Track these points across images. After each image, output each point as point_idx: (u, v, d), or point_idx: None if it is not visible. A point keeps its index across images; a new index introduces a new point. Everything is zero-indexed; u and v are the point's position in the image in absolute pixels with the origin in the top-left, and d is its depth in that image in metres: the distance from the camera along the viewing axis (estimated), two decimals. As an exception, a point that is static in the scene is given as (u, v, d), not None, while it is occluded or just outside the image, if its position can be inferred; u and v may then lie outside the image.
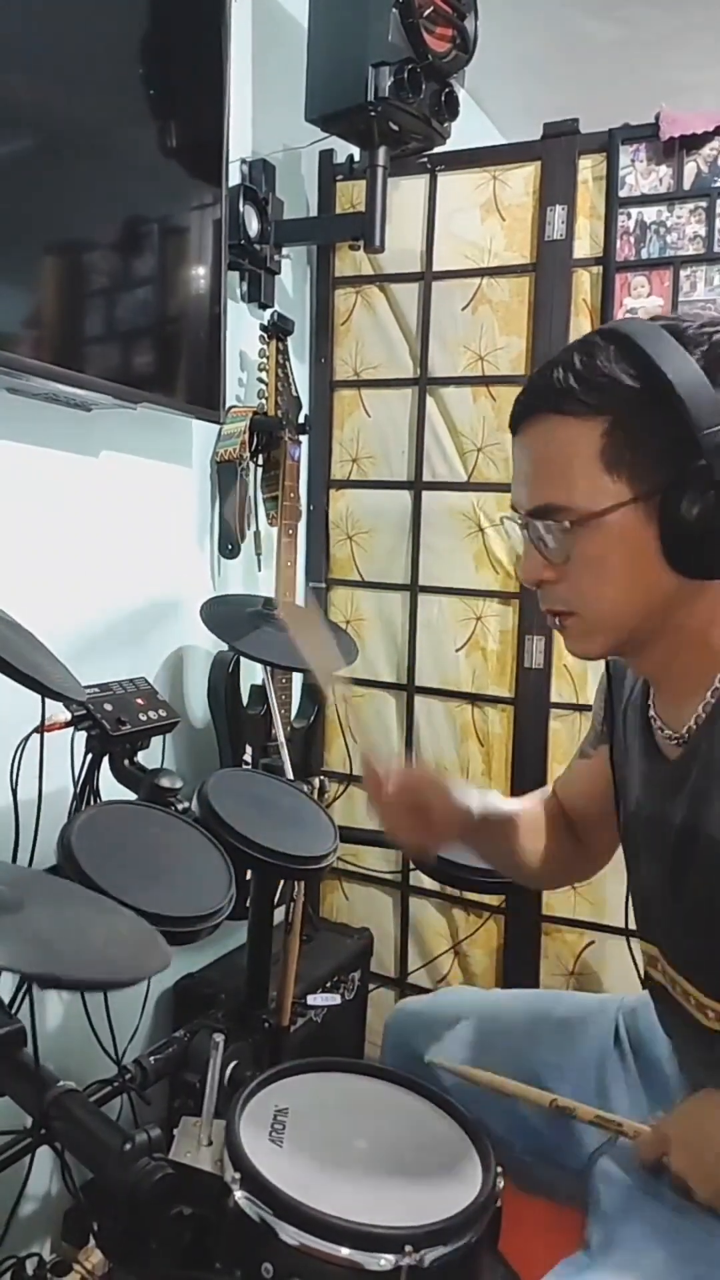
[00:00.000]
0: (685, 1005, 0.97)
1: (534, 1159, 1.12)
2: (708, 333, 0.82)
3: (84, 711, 1.33)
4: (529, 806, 1.21)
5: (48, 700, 1.11)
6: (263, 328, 1.88)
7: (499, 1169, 0.97)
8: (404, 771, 1.07)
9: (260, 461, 1.93)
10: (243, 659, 1.77)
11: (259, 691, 1.88)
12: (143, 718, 1.41)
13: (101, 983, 0.80)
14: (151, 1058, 1.33)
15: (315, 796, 1.58)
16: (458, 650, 2.10)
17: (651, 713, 0.99)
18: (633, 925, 1.08)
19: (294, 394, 1.91)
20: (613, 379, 0.81)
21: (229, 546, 1.88)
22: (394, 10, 1.63)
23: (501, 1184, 0.96)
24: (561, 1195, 1.12)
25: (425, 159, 2.00)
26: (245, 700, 1.85)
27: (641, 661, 0.96)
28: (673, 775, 0.93)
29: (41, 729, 1.20)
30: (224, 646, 1.75)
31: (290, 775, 1.69)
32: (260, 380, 1.90)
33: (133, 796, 1.35)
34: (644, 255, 1.86)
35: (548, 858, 1.18)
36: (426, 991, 2.01)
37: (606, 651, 0.93)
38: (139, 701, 1.43)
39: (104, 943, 0.85)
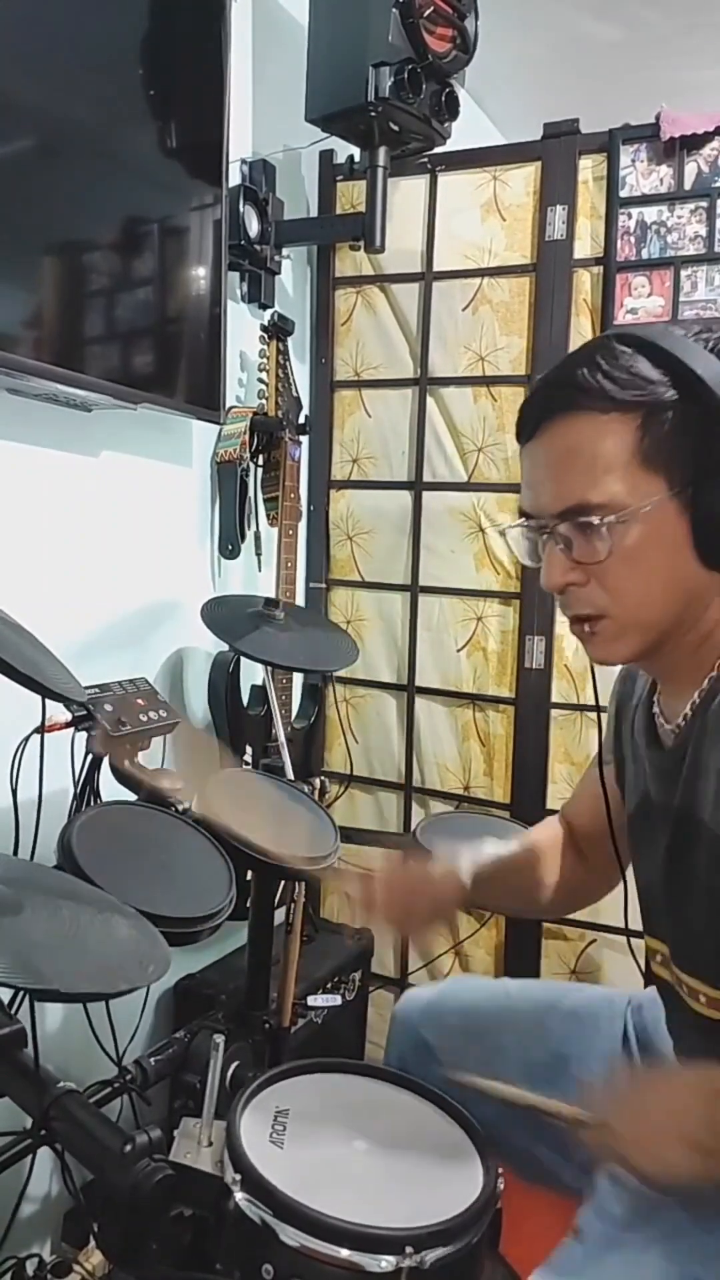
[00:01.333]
0: (683, 996, 0.97)
1: (536, 1145, 1.12)
2: (705, 337, 0.84)
3: (84, 712, 1.33)
4: (536, 839, 1.22)
5: (48, 701, 1.11)
6: (263, 328, 1.88)
7: (499, 1170, 0.97)
8: (383, 876, 1.11)
9: (260, 462, 1.93)
10: (243, 659, 1.77)
11: (259, 692, 1.88)
12: (143, 718, 1.40)
13: (100, 994, 0.80)
14: (152, 1059, 1.32)
15: (316, 797, 1.58)
16: (458, 650, 2.10)
17: (656, 707, 0.99)
18: (635, 924, 1.07)
19: (294, 394, 1.91)
20: (643, 376, 0.83)
21: (229, 547, 1.88)
22: (394, 10, 1.63)
23: (502, 1185, 0.96)
24: (561, 1184, 1.11)
25: (425, 159, 2.00)
26: (246, 700, 1.85)
27: (654, 661, 0.96)
28: (670, 763, 0.94)
29: (42, 729, 1.20)
30: (224, 647, 1.75)
31: (291, 775, 1.69)
32: (260, 380, 1.90)
33: (133, 797, 1.35)
34: (644, 255, 1.85)
35: (559, 886, 1.19)
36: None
37: (635, 654, 0.91)
38: (139, 702, 1.43)
39: (103, 949, 0.85)
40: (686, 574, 0.85)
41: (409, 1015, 1.25)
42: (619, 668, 1.11)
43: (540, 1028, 1.18)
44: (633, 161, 1.85)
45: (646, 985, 1.16)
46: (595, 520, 0.84)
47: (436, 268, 2.05)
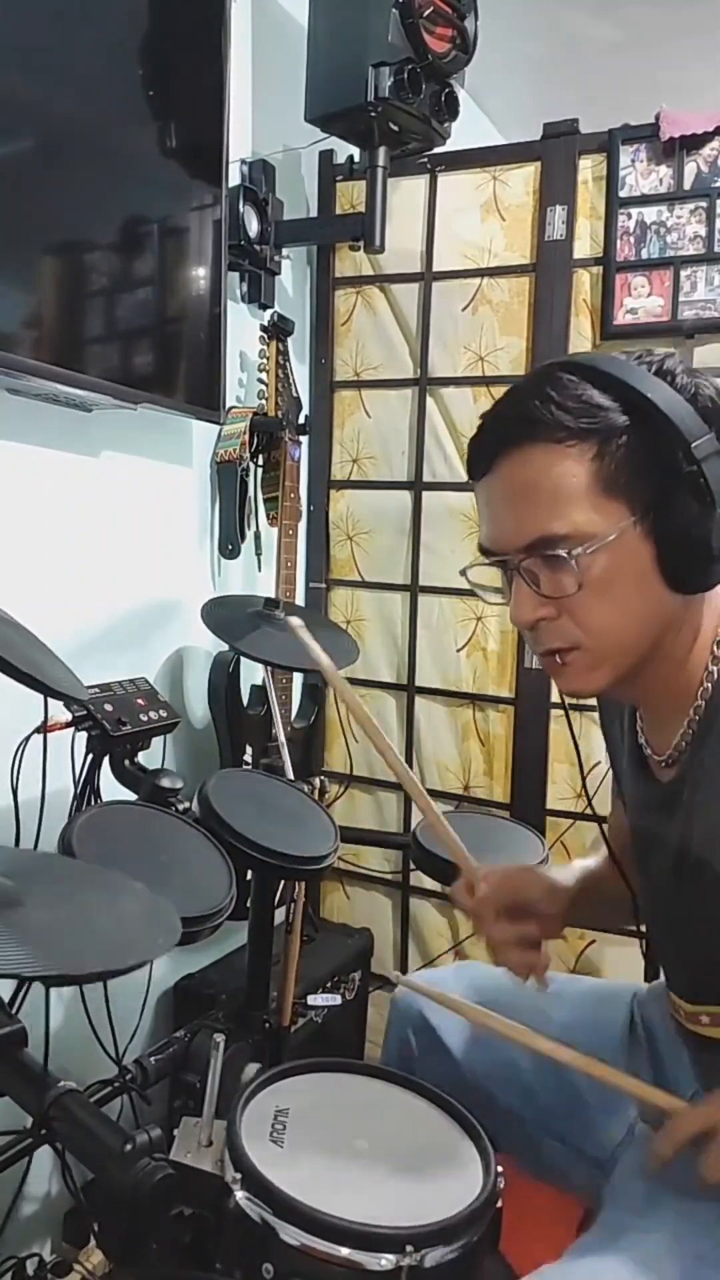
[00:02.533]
0: (683, 1022, 0.98)
1: (544, 1137, 1.12)
2: (649, 361, 0.84)
3: (84, 712, 1.33)
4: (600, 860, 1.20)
5: (49, 701, 1.11)
6: (263, 328, 1.88)
7: (499, 1169, 0.97)
8: (494, 871, 1.05)
9: (260, 462, 1.93)
10: (243, 659, 1.77)
11: (259, 692, 1.88)
12: (143, 718, 1.41)
13: (110, 972, 0.80)
14: (152, 1058, 1.32)
15: (315, 797, 1.58)
16: (458, 650, 2.10)
17: (641, 738, 0.99)
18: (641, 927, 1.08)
19: (294, 394, 1.91)
20: (595, 404, 0.82)
21: (229, 547, 1.88)
22: (394, 10, 1.63)
23: (502, 1184, 0.96)
24: (568, 1179, 1.11)
25: (425, 159, 2.00)
26: (245, 700, 1.85)
27: (630, 689, 0.94)
28: (666, 797, 0.94)
29: (44, 729, 1.20)
30: (224, 647, 1.75)
31: (291, 775, 1.69)
32: (260, 381, 1.90)
33: (133, 797, 1.35)
34: (644, 255, 1.85)
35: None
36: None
37: (609, 684, 0.89)
38: (139, 702, 1.43)
39: (110, 927, 0.85)
40: (656, 599, 0.84)
41: (411, 999, 1.24)
42: None
43: (542, 1012, 1.16)
44: (632, 161, 1.85)
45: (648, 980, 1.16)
46: (562, 552, 0.82)
47: (436, 268, 2.05)
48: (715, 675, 0.87)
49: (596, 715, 1.18)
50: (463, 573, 0.95)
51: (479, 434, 0.89)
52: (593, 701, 1.91)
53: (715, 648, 0.88)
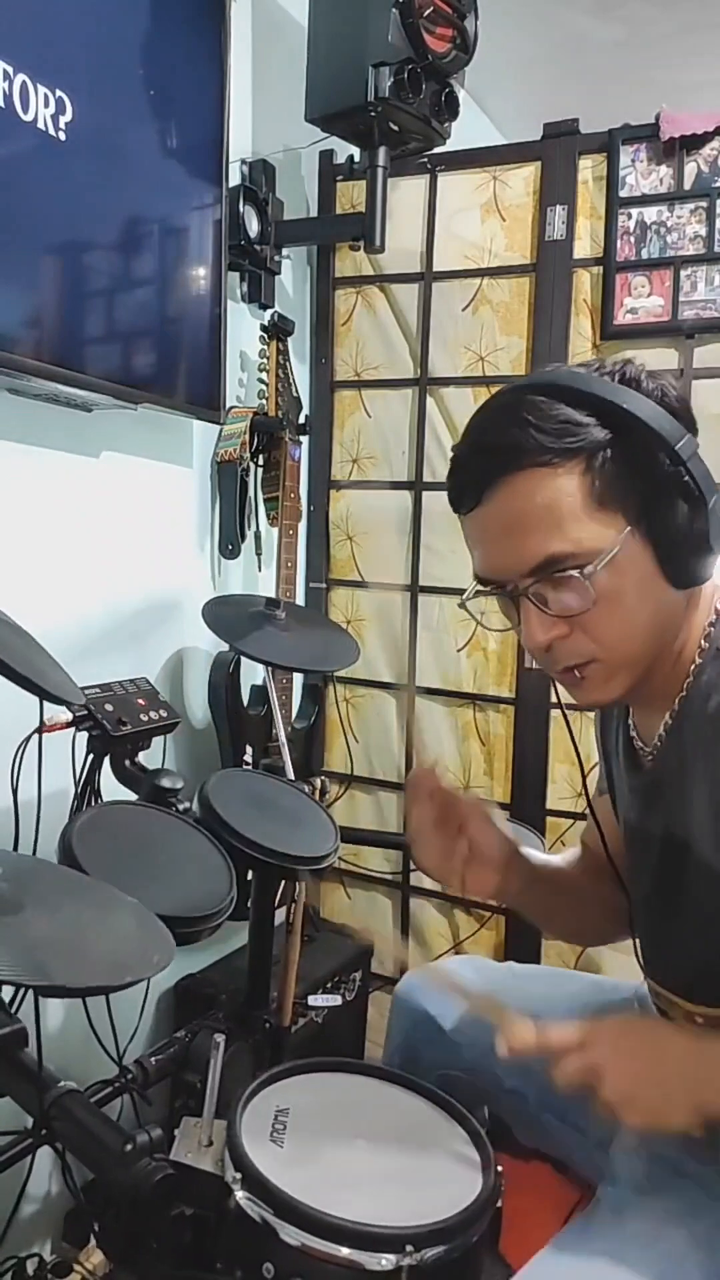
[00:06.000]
0: (674, 1019, 0.98)
1: (546, 1114, 1.12)
2: (613, 370, 0.86)
3: (85, 712, 1.33)
4: (567, 859, 1.20)
5: (47, 702, 1.11)
6: (263, 328, 1.88)
7: (499, 1169, 0.97)
8: (451, 788, 1.04)
9: (260, 462, 1.93)
10: (243, 659, 1.77)
11: (260, 692, 1.88)
12: (144, 718, 1.41)
13: (105, 987, 0.80)
14: (152, 1058, 1.32)
15: (316, 797, 1.58)
16: (458, 650, 2.10)
17: (632, 731, 1.00)
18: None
19: (294, 394, 1.91)
20: (574, 421, 0.82)
21: (229, 546, 1.88)
22: (394, 10, 1.63)
23: (502, 1184, 0.96)
24: (570, 1156, 1.11)
25: (425, 159, 2.00)
26: (246, 700, 1.85)
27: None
28: (650, 786, 0.95)
29: (41, 730, 1.20)
30: (224, 647, 1.75)
31: (291, 775, 1.69)
32: (260, 381, 1.90)
33: (134, 797, 1.35)
34: (644, 255, 1.85)
35: (592, 911, 1.15)
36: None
37: (627, 691, 0.90)
38: (140, 702, 1.43)
39: (106, 942, 0.85)
40: (661, 599, 0.86)
41: (413, 990, 1.25)
42: None
43: (544, 1011, 1.17)
44: (632, 161, 1.85)
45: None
46: (573, 571, 0.83)
47: (436, 268, 2.05)
48: (698, 664, 0.89)
49: (595, 715, 1.18)
50: (462, 604, 0.95)
51: (461, 469, 0.89)
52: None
53: (704, 640, 0.90)
